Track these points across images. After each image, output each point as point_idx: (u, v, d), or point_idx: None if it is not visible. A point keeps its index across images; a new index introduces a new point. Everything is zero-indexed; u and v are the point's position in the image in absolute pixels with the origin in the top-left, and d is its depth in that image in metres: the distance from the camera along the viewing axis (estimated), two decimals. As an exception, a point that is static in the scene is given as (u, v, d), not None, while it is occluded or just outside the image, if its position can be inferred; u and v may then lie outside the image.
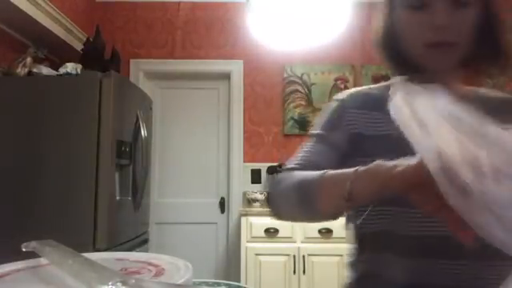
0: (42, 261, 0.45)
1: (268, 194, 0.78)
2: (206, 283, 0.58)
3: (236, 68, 3.30)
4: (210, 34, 3.33)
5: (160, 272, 0.41)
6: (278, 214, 0.76)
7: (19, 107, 2.11)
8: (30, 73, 2.23)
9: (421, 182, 0.47)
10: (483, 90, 0.85)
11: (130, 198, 2.40)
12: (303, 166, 0.74)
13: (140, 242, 2.54)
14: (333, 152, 0.77)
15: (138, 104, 2.53)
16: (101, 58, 2.64)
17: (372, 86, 0.85)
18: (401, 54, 0.77)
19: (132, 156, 2.39)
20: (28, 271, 0.43)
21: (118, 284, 0.30)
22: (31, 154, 2.07)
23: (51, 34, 2.55)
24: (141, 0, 3.33)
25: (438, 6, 0.68)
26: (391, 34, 0.77)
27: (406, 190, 0.50)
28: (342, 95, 0.84)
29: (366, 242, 0.77)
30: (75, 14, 2.89)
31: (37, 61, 2.35)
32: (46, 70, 2.27)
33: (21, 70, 2.20)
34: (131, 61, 3.27)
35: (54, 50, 2.72)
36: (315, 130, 0.82)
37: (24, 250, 0.47)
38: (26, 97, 2.12)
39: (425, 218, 0.66)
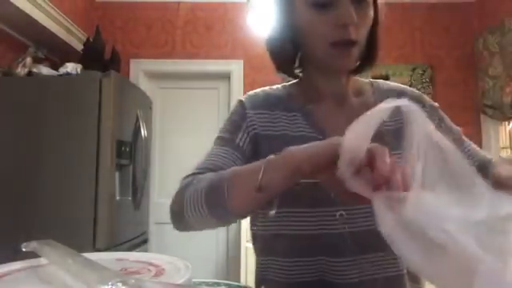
0: (42, 261, 0.45)
1: (172, 203, 0.71)
2: (206, 283, 0.58)
3: (236, 68, 3.30)
4: (210, 33, 3.33)
5: (160, 272, 0.41)
6: (183, 224, 0.69)
7: (19, 107, 2.11)
8: (30, 73, 2.23)
9: (331, 160, 0.48)
10: (377, 82, 0.87)
11: (129, 198, 2.40)
12: (208, 170, 0.71)
13: (140, 242, 2.54)
14: (238, 154, 0.75)
15: (137, 104, 2.53)
16: (101, 58, 2.64)
17: (272, 86, 0.85)
18: (302, 54, 0.78)
19: (132, 156, 2.40)
20: (28, 271, 0.43)
21: (118, 284, 0.30)
22: (31, 153, 2.07)
23: (51, 34, 2.55)
24: (141, 0, 3.33)
25: (344, 3, 0.68)
26: (287, 34, 0.76)
27: (317, 170, 0.52)
28: (244, 97, 0.83)
29: (259, 245, 0.80)
30: (75, 14, 2.89)
31: (37, 61, 2.35)
32: (45, 70, 2.27)
33: (21, 70, 2.20)
34: (131, 61, 3.27)
35: (54, 50, 2.72)
36: (219, 133, 0.81)
37: (24, 249, 0.47)
38: (26, 97, 2.12)
39: (307, 217, 0.70)
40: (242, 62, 3.29)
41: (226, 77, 3.34)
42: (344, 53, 0.71)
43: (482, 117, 3.21)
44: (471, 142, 0.85)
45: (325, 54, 0.72)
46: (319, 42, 0.71)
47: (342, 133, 0.67)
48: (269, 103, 0.80)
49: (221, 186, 0.61)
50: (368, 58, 0.79)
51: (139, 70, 3.28)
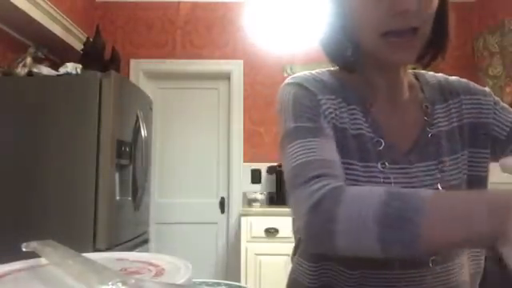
0: (42, 261, 0.45)
1: (313, 216, 0.53)
2: (206, 283, 0.58)
3: (236, 68, 3.30)
4: (210, 34, 3.33)
5: (160, 272, 0.41)
6: (322, 240, 0.53)
7: (19, 107, 2.11)
8: (30, 73, 2.23)
9: None
10: (425, 74, 0.77)
11: (129, 198, 2.40)
12: (333, 171, 0.58)
13: (140, 242, 2.54)
14: (334, 145, 0.62)
15: (138, 104, 2.53)
16: (101, 58, 2.65)
17: (315, 71, 0.71)
18: (355, 45, 0.65)
19: (132, 156, 2.40)
20: (28, 271, 0.43)
21: (118, 284, 0.30)
22: (31, 153, 2.07)
23: (51, 34, 2.55)
24: (141, 0, 3.33)
25: None
26: (340, 25, 0.65)
27: None
28: (296, 80, 0.68)
29: None
30: (75, 13, 2.89)
31: (37, 61, 2.35)
32: (45, 70, 2.27)
33: (21, 70, 2.20)
34: (131, 61, 3.27)
35: (54, 50, 2.72)
36: (295, 122, 0.63)
37: (24, 249, 0.47)
38: (26, 97, 2.12)
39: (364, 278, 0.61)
40: (241, 62, 3.29)
41: (226, 77, 3.34)
42: (404, 44, 0.59)
43: (482, 117, 3.21)
44: None
45: (378, 46, 0.61)
46: (373, 34, 0.60)
47: (396, 135, 0.64)
48: (330, 88, 0.67)
49: (410, 220, 0.45)
50: (435, 47, 0.67)
51: (139, 70, 3.28)
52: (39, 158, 2.07)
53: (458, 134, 0.67)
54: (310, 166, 0.57)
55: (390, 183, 0.61)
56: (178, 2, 3.34)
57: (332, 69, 0.72)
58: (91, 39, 2.69)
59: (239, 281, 2.59)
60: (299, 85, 0.67)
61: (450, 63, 3.33)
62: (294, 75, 0.70)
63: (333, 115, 0.64)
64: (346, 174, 0.61)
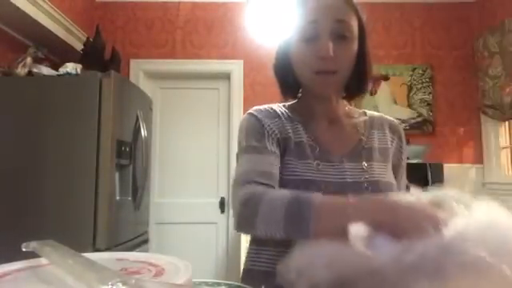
0: (42, 261, 0.45)
1: (242, 209, 0.74)
2: (206, 283, 0.58)
3: (236, 68, 3.30)
4: (210, 34, 3.33)
5: (160, 272, 0.41)
6: (249, 230, 0.77)
7: (19, 107, 2.11)
8: (29, 73, 2.23)
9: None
10: (356, 110, 1.00)
11: (129, 198, 2.40)
12: (268, 179, 0.78)
13: (140, 242, 2.54)
14: (276, 160, 0.83)
15: (138, 104, 2.53)
16: (101, 58, 2.65)
17: (271, 105, 0.95)
18: (294, 79, 0.90)
19: (132, 156, 2.40)
20: (28, 271, 0.43)
21: (118, 284, 0.30)
22: (31, 154, 2.07)
23: (51, 34, 2.55)
24: (141, 0, 3.33)
25: (323, 39, 0.80)
26: (287, 61, 0.89)
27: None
28: (250, 112, 0.92)
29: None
30: (75, 13, 2.89)
31: (37, 61, 2.35)
32: (46, 70, 2.27)
33: (21, 70, 2.20)
34: (131, 61, 3.27)
35: (54, 50, 2.72)
36: (246, 143, 0.86)
37: (24, 249, 0.47)
38: (26, 97, 2.12)
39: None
40: (241, 62, 3.29)
41: (225, 77, 3.34)
42: (325, 81, 0.83)
43: (482, 117, 3.21)
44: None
45: (310, 81, 0.86)
46: (305, 71, 0.85)
47: (331, 144, 0.88)
48: (275, 114, 0.91)
49: (304, 218, 0.63)
50: (357, 86, 0.91)
51: (139, 70, 3.28)
52: (39, 158, 2.07)
53: (391, 156, 0.92)
54: (248, 174, 0.80)
55: (324, 176, 0.82)
56: (178, 2, 3.34)
57: (290, 102, 0.97)
58: (91, 39, 2.69)
59: (239, 281, 2.59)
60: (251, 114, 0.90)
61: (449, 63, 3.33)
62: (252, 108, 0.94)
63: (276, 132, 0.87)
64: (289, 168, 0.82)
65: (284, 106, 0.96)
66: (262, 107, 0.93)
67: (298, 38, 0.84)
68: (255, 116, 0.89)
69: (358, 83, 0.90)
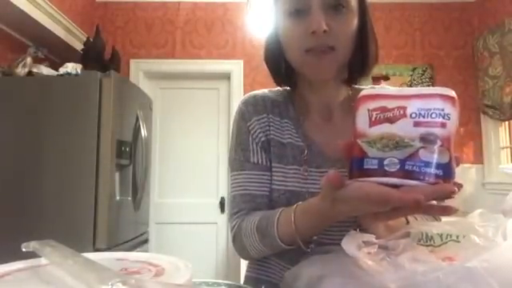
0: (42, 261, 0.45)
1: (234, 242, 0.80)
2: (206, 283, 0.58)
3: (236, 68, 3.30)
4: (210, 34, 3.33)
5: (160, 272, 0.41)
6: (248, 256, 0.80)
7: (19, 107, 2.11)
8: (30, 73, 2.23)
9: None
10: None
11: (129, 198, 2.40)
12: (249, 205, 0.78)
13: (140, 242, 2.54)
14: (259, 172, 0.79)
15: (137, 104, 2.53)
16: (101, 58, 2.65)
17: (272, 89, 0.87)
18: (287, 65, 0.79)
19: (132, 156, 2.40)
20: (28, 271, 0.43)
21: (118, 284, 0.30)
22: (31, 154, 2.07)
23: (51, 34, 2.55)
24: (141, 0, 3.33)
25: (314, 12, 0.69)
26: (276, 45, 0.78)
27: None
28: (242, 102, 0.84)
29: None
30: (75, 13, 2.89)
31: (37, 61, 2.35)
32: (46, 70, 2.27)
33: (21, 70, 2.20)
34: (131, 61, 3.27)
35: (54, 50, 2.72)
36: (234, 155, 0.82)
37: (24, 250, 0.47)
38: (26, 97, 2.12)
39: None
40: (241, 61, 3.30)
41: (226, 77, 3.34)
42: (318, 60, 0.71)
43: (482, 117, 3.21)
44: None
45: (301, 62, 0.74)
46: (295, 50, 0.73)
47: (328, 145, 0.77)
48: (264, 107, 0.82)
49: (271, 234, 0.70)
50: (359, 66, 0.77)
51: (139, 70, 3.28)
52: (39, 158, 2.07)
53: None
54: (233, 202, 0.80)
55: (313, 183, 0.74)
56: (178, 2, 3.34)
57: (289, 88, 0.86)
58: (91, 39, 2.69)
59: (239, 281, 2.59)
60: (241, 110, 0.83)
61: (450, 63, 3.33)
62: (248, 94, 0.86)
63: (260, 135, 0.80)
64: (275, 176, 0.77)
65: (282, 93, 0.86)
66: (256, 95, 0.84)
67: (284, 13, 0.73)
68: (243, 114, 0.82)
69: (360, 64, 0.77)
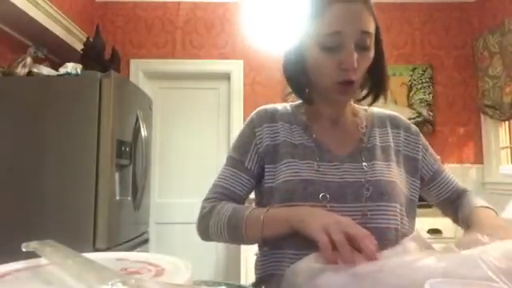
0: (42, 261, 0.45)
1: (198, 224, 0.93)
2: (206, 283, 0.58)
3: (236, 68, 3.30)
4: (210, 34, 3.33)
5: (160, 272, 0.41)
6: (207, 239, 0.92)
7: (19, 107, 2.11)
8: (30, 73, 2.23)
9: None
10: (368, 108, 1.01)
11: (129, 198, 2.40)
12: (223, 195, 0.91)
13: (140, 242, 2.54)
14: (246, 176, 0.91)
15: (137, 104, 2.53)
16: (101, 57, 2.64)
17: (283, 104, 0.99)
18: (307, 82, 0.90)
19: (132, 156, 2.40)
20: (28, 271, 0.43)
21: (118, 284, 0.30)
22: (31, 154, 2.07)
23: (51, 34, 2.55)
24: (141, 0, 3.33)
25: (348, 51, 0.79)
26: (300, 65, 0.89)
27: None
28: (255, 113, 0.97)
29: None
30: (75, 13, 2.89)
31: (37, 61, 2.35)
32: (46, 70, 2.27)
33: (21, 70, 2.20)
34: (131, 61, 3.27)
35: (54, 50, 2.72)
36: (232, 151, 0.95)
37: (24, 250, 0.47)
38: (26, 97, 2.12)
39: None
40: (241, 61, 3.29)
41: (225, 77, 3.34)
42: (345, 91, 0.84)
43: (482, 117, 3.21)
44: (447, 171, 1.00)
45: (329, 90, 0.85)
46: (325, 80, 0.84)
47: (336, 145, 0.90)
48: (274, 117, 0.94)
49: (239, 227, 0.82)
50: (377, 88, 0.92)
51: (139, 70, 3.28)
52: (39, 158, 2.07)
53: (394, 154, 0.92)
54: (215, 187, 0.93)
55: (323, 176, 0.84)
56: (178, 2, 3.34)
57: (298, 102, 0.98)
58: (91, 39, 2.69)
59: (239, 281, 2.59)
60: (251, 119, 0.96)
61: (450, 63, 3.33)
62: (260, 108, 0.98)
63: (268, 139, 0.91)
64: (290, 167, 0.86)
65: (291, 105, 0.98)
66: (267, 108, 0.97)
67: (317, 46, 0.82)
68: (253, 120, 0.95)
69: (377, 85, 0.91)
